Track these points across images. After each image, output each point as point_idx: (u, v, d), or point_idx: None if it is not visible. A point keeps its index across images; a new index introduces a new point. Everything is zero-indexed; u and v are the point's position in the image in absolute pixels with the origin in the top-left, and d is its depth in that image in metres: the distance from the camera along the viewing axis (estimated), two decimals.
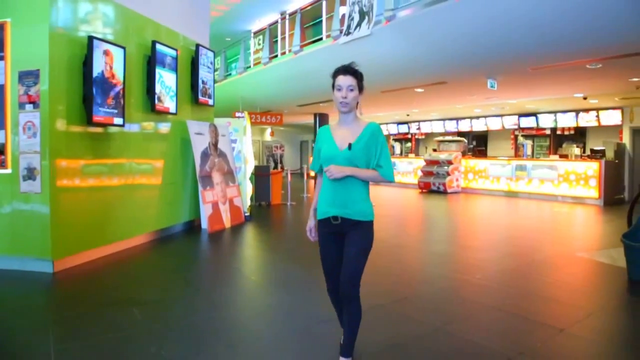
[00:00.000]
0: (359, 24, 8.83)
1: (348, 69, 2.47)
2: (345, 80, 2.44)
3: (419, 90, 10.70)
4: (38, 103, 4.59)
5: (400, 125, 20.04)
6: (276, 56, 12.62)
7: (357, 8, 8.97)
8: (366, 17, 8.64)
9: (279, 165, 16.82)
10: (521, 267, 5.30)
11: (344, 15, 9.85)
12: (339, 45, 9.28)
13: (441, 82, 9.74)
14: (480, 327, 3.44)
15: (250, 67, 13.74)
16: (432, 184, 14.46)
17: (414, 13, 7.58)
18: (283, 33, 13.94)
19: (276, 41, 13.30)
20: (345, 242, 2.48)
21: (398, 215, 10.22)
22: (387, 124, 20.51)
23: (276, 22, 13.54)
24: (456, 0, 6.70)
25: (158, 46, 6.15)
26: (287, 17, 13.77)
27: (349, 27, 9.10)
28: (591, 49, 6.89)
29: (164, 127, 6.70)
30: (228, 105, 14.51)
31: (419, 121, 19.16)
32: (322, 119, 16.64)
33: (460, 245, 6.66)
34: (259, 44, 13.78)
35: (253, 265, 5.50)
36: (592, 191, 11.49)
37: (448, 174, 14.27)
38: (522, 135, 15.24)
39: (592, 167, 11.47)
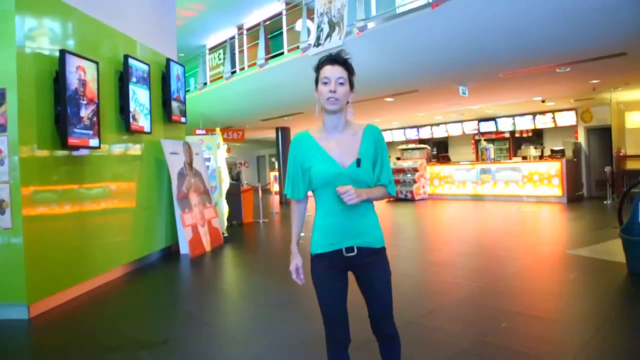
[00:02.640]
0: (329, 35, 8.67)
1: (337, 58, 1.94)
2: (333, 72, 1.91)
3: (389, 99, 10.66)
4: (5, 125, 4.06)
5: None
6: (235, 72, 12.26)
7: (326, 19, 8.81)
8: (337, 28, 8.49)
9: (243, 183, 16.43)
10: (523, 270, 5.27)
11: (308, 29, 9.72)
12: (308, 57, 9.07)
13: (413, 91, 9.74)
14: (517, 333, 3.27)
15: (206, 83, 13.29)
16: (400, 192, 14.53)
17: (387, 23, 7.52)
18: (241, 47, 13.63)
19: (234, 54, 12.98)
20: (364, 275, 2.00)
21: None
22: None
23: (237, 35, 13.21)
24: (432, 8, 6.67)
25: (131, 61, 5.70)
26: (245, 31, 13.48)
27: (318, 38, 8.92)
28: (562, 53, 7.07)
29: (139, 148, 6.21)
30: (188, 123, 13.94)
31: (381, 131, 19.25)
32: (284, 133, 16.38)
33: (453, 252, 6.55)
34: (219, 59, 13.36)
35: (254, 291, 5.11)
36: (555, 189, 11.86)
37: (414, 182, 14.41)
38: (485, 140, 15.59)
39: (555, 167, 11.85)
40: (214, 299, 4.85)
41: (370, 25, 7.78)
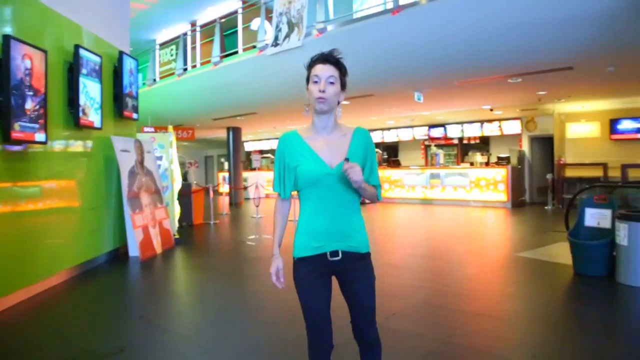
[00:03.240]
0: (287, 35, 8.60)
1: (329, 58, 1.91)
2: (324, 71, 1.88)
3: (345, 102, 10.71)
4: None
5: None
6: (186, 69, 11.90)
7: (285, 19, 8.73)
8: (296, 29, 8.43)
9: (192, 183, 15.96)
10: (477, 272, 5.43)
11: (260, 27, 9.62)
12: (266, 57, 8.96)
13: (368, 95, 9.83)
14: (480, 334, 3.34)
15: (156, 79, 12.82)
16: None
17: (348, 26, 7.55)
18: (194, 43, 13.26)
19: (186, 50, 12.60)
20: (348, 280, 1.95)
21: None
22: None
23: (190, 32, 12.84)
24: (393, 14, 6.75)
25: (82, 51, 5.37)
26: (199, 28, 13.14)
27: (276, 38, 8.83)
28: (515, 65, 7.36)
29: (88, 144, 5.86)
30: None
31: None
32: (236, 133, 16.12)
33: (408, 254, 6.64)
34: (171, 55, 12.93)
35: (210, 294, 4.92)
36: (501, 195, 12.37)
37: None
38: (435, 145, 16.00)
39: (501, 173, 12.36)
40: (169, 303, 4.65)
41: (330, 27, 7.78)
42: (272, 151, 21.61)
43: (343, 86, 1.95)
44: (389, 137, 17.65)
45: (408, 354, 3.08)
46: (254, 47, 9.95)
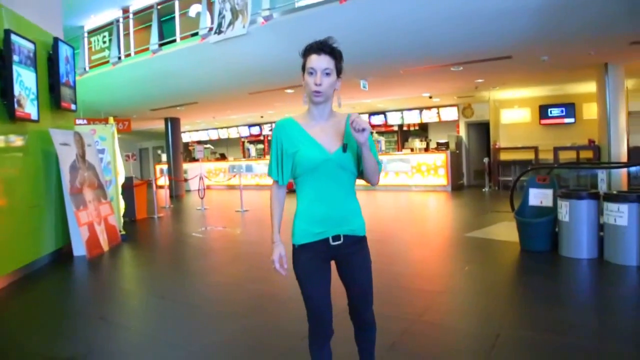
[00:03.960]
0: (231, 23, 8.39)
1: (323, 47, 1.89)
2: (320, 62, 1.86)
3: (290, 91, 10.65)
4: None
5: (252, 127, 19.82)
6: (120, 57, 11.28)
7: (228, 6, 8.50)
8: (240, 16, 8.24)
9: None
10: (432, 253, 5.66)
11: (199, 14, 9.34)
12: (209, 44, 8.70)
13: None
14: (447, 311, 3.50)
15: (86, 69, 12.06)
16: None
17: (294, 14, 7.48)
18: (127, 30, 12.58)
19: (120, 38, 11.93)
20: (347, 263, 1.98)
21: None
22: (237, 126, 20.10)
23: (123, 19, 12.16)
24: (340, 2, 6.77)
25: (14, 37, 4.94)
26: (132, 14, 12.47)
27: (220, 25, 8.59)
28: (458, 53, 7.63)
29: (24, 138, 5.44)
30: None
31: (271, 122, 19.19)
32: (174, 124, 15.58)
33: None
34: (103, 42, 12.19)
35: (168, 289, 4.73)
36: (441, 179, 12.87)
37: None
38: (376, 132, 16.30)
39: (440, 158, 12.85)
40: (128, 301, 4.46)
41: (276, 15, 7.67)
42: (211, 142, 21.11)
43: (339, 73, 1.95)
44: None
45: (385, 334, 3.13)
46: (195, 34, 9.64)
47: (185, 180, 15.89)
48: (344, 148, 1.89)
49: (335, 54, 1.92)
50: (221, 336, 3.30)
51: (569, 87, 11.52)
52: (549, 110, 12.47)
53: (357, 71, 8.97)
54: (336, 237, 1.92)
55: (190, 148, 20.60)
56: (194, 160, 18.53)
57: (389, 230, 7.44)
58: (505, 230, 6.58)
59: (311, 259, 1.94)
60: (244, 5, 8.16)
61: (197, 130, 21.48)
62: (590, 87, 10.79)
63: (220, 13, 8.58)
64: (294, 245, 1.98)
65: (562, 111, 12.31)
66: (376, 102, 14.22)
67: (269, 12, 7.79)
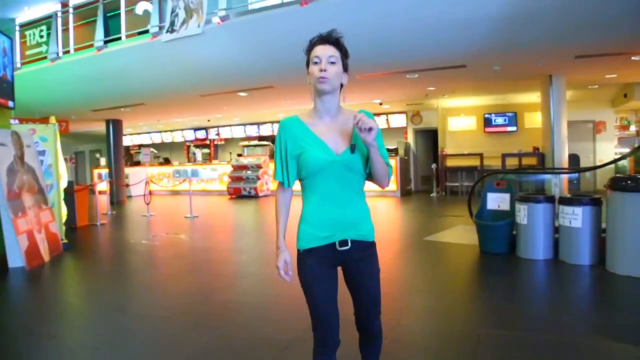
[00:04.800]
0: (185, 22, 8.10)
1: (328, 38, 1.83)
2: (325, 51, 1.79)
3: (243, 94, 10.42)
4: None
5: (197, 131, 19.28)
6: (58, 54, 10.58)
7: (182, 4, 8.19)
8: (195, 15, 7.97)
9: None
10: (397, 256, 5.71)
11: (146, 11, 8.99)
12: (160, 43, 8.34)
13: (269, 87, 9.69)
14: (411, 311, 3.51)
15: (19, 65, 11.20)
16: (243, 189, 14.45)
17: (253, 16, 7.33)
18: (65, 25, 11.83)
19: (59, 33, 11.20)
20: (355, 270, 1.89)
21: (225, 224, 9.88)
22: (182, 130, 19.50)
23: (61, 13, 11.42)
24: (301, 5, 6.71)
25: None
26: (72, 8, 11.75)
27: (172, 23, 8.26)
28: (415, 61, 7.79)
29: None
30: None
31: (218, 126, 18.78)
32: (116, 126, 14.82)
33: None
34: (40, 36, 11.38)
35: (125, 301, 4.42)
36: (391, 185, 13.07)
37: (258, 178, 14.44)
38: None
39: (391, 163, 13.04)
40: (79, 316, 4.10)
41: (234, 16, 7.48)
42: (153, 145, 20.29)
43: (345, 68, 1.87)
44: None
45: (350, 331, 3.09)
46: (143, 32, 9.22)
47: (127, 185, 15.16)
48: (352, 149, 1.79)
49: (341, 46, 1.85)
50: (196, 348, 3.10)
51: (512, 97, 12.13)
52: (493, 118, 13.06)
53: None
54: (343, 242, 1.82)
55: (132, 152, 19.71)
56: (136, 164, 17.75)
57: None
58: (462, 234, 6.74)
59: (317, 264, 1.84)
60: (199, 4, 7.90)
61: (139, 134, 20.60)
62: (532, 97, 11.42)
63: (173, 11, 8.25)
64: (298, 251, 1.88)
65: (505, 120, 12.92)
66: None
67: (225, 12, 7.59)
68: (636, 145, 10.67)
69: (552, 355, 2.85)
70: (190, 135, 19.56)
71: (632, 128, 12.06)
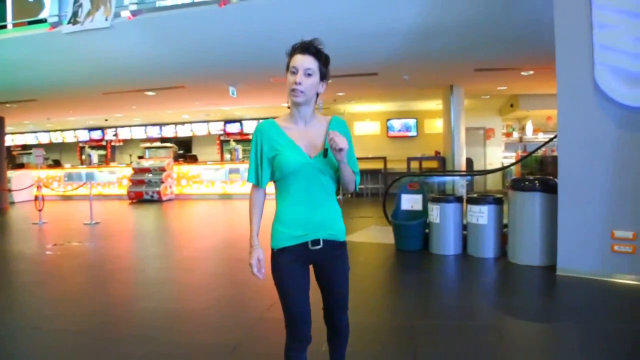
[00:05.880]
0: (90, 13, 7.57)
1: (309, 47, 1.90)
2: (302, 61, 1.86)
3: (150, 93, 9.93)
4: None
5: (93, 132, 17.95)
6: None
7: None
8: (102, 7, 7.48)
9: None
10: None
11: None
12: (60, 34, 7.70)
13: (179, 87, 9.37)
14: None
15: None
16: (145, 193, 13.79)
17: (168, 12, 7.07)
18: None
19: None
20: (326, 268, 1.97)
21: (131, 229, 9.41)
22: (75, 129, 18.01)
23: None
24: (220, 5, 6.63)
25: None
26: None
27: (75, 14, 7.67)
28: (330, 67, 7.98)
29: None
30: None
31: (116, 127, 17.65)
32: None
33: (241, 248, 6.67)
34: None
35: (45, 316, 4.04)
36: None
37: (162, 182, 13.86)
38: (234, 140, 16.10)
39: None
40: None
41: (147, 11, 7.16)
42: (41, 146, 18.44)
43: (323, 77, 1.96)
44: (183, 131, 17.10)
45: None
46: (36, 22, 8.46)
47: (10, 190, 13.67)
48: (325, 153, 1.88)
49: (320, 56, 1.93)
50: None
51: (414, 104, 12.99)
52: (395, 124, 13.87)
53: (228, 77, 8.82)
54: (316, 242, 1.91)
55: (15, 153, 17.81)
56: (18, 167, 16.07)
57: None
58: (376, 234, 7.11)
59: (290, 262, 1.92)
60: None
61: (22, 133, 18.61)
62: (431, 104, 12.33)
63: (76, 1, 7.67)
64: (272, 250, 1.95)
65: (406, 125, 13.79)
66: (234, 109, 14.13)
67: (136, 6, 7.23)
68: (519, 151, 12.04)
69: (480, 337, 3.19)
70: (84, 136, 18.10)
71: (515, 134, 13.57)
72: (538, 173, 9.60)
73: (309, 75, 1.87)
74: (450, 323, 3.45)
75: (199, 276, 5.19)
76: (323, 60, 1.94)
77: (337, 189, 2.03)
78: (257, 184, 1.98)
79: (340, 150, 1.77)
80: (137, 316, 3.86)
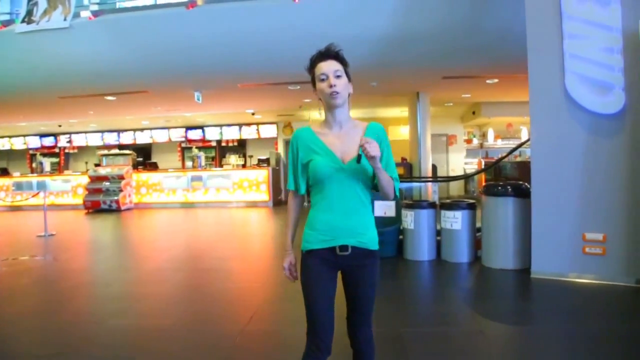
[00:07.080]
0: (47, 12, 7.20)
1: (328, 53, 1.91)
2: (329, 66, 1.88)
3: (111, 98, 9.55)
4: None
5: (44, 138, 17.12)
6: None
7: None
8: (60, 6, 7.13)
9: None
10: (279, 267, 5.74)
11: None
12: (12, 34, 7.28)
13: (142, 91, 9.05)
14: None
15: None
16: (102, 202, 13.21)
17: (130, 13, 6.86)
18: None
19: None
20: (354, 276, 1.95)
21: (90, 241, 8.97)
22: (25, 135, 17.13)
23: None
24: (187, 8, 6.46)
25: None
26: None
27: (30, 13, 7.27)
28: (298, 73, 7.89)
29: None
30: None
31: (71, 133, 16.91)
32: None
33: (215, 257, 6.47)
34: None
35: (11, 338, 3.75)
36: (263, 195, 13.12)
37: (120, 190, 13.34)
38: (196, 147, 15.75)
39: (262, 174, 13.11)
40: None
41: (110, 11, 6.89)
42: None
43: (349, 78, 1.96)
44: (142, 138, 16.59)
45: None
46: None
47: None
48: (358, 159, 1.83)
49: (340, 59, 1.94)
50: None
51: (380, 111, 13.10)
52: None
53: (193, 82, 8.60)
54: (344, 247, 1.89)
55: None
56: None
57: (238, 246, 7.26)
58: None
59: (317, 265, 1.92)
60: None
61: None
62: (396, 111, 12.47)
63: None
64: (302, 252, 1.98)
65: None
66: (195, 115, 13.83)
67: (98, 6, 6.95)
68: (480, 157, 12.35)
69: (468, 343, 3.18)
70: (35, 142, 17.23)
71: (476, 141, 13.95)
72: (502, 179, 9.87)
73: (339, 76, 1.89)
74: (437, 330, 3.43)
75: (171, 289, 4.96)
76: (345, 62, 1.96)
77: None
78: (296, 190, 2.02)
79: (373, 157, 1.75)
80: (108, 335, 3.61)
